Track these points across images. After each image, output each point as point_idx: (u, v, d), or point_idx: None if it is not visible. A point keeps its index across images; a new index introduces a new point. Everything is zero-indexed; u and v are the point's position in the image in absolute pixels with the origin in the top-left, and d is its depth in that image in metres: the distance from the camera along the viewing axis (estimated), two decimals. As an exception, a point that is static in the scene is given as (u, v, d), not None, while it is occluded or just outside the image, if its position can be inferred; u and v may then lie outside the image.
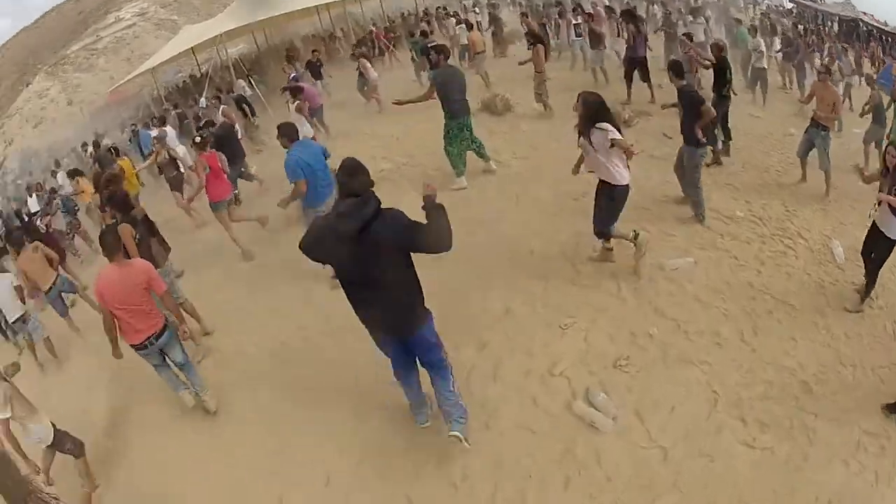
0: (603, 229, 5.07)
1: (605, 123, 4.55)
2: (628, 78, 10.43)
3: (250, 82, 15.20)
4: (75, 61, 36.04)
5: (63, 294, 7.25)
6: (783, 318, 4.80)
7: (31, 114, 32.62)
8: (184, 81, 24.70)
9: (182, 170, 9.53)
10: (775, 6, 19.55)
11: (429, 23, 18.69)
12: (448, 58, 7.32)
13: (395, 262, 3.29)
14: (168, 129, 10.98)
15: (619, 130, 4.56)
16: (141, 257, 5.20)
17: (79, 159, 16.99)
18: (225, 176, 7.53)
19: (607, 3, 15.54)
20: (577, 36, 12.63)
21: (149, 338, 4.54)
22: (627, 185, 4.83)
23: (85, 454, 4.57)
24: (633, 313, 4.66)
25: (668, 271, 5.11)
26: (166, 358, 4.75)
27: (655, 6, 16.40)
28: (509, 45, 15.89)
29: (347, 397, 4.52)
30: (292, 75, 11.83)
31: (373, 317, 3.47)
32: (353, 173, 3.29)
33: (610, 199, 4.88)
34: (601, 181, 4.90)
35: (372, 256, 3.19)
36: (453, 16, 17.30)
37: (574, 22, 12.69)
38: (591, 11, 12.70)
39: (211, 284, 6.94)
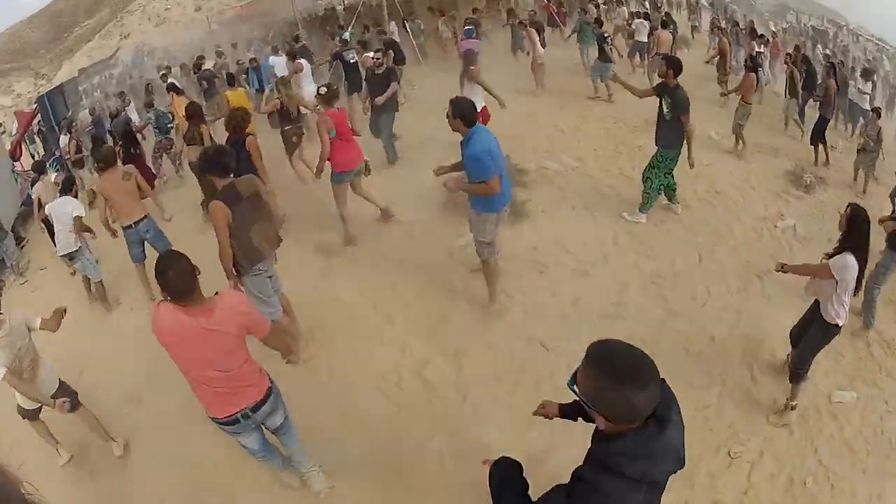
0: (800, 368, 4.71)
1: (848, 257, 4.27)
2: (817, 140, 9.71)
3: (405, 26, 14.21)
4: (210, -30, 37.64)
5: (146, 241, 6.23)
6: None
7: (154, 13, 34.37)
8: (324, 10, 24.79)
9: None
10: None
11: (597, 7, 17.98)
12: (679, 73, 6.39)
13: None
14: (304, 62, 9.79)
15: (864, 266, 4.35)
16: (235, 250, 4.20)
17: (185, 75, 16.70)
18: (355, 141, 6.30)
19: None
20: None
21: (242, 409, 3.19)
22: (840, 327, 4.53)
23: (82, 404, 4.38)
24: (796, 451, 4.60)
25: (833, 404, 5.05)
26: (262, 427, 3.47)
27: (826, 50, 15.21)
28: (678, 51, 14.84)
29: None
30: (467, 27, 10.23)
31: None
32: (646, 381, 1.81)
33: (821, 334, 4.60)
34: (819, 306, 4.61)
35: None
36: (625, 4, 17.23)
37: (757, 50, 12.23)
38: (774, 42, 12.57)
39: (317, 272, 6.24)
